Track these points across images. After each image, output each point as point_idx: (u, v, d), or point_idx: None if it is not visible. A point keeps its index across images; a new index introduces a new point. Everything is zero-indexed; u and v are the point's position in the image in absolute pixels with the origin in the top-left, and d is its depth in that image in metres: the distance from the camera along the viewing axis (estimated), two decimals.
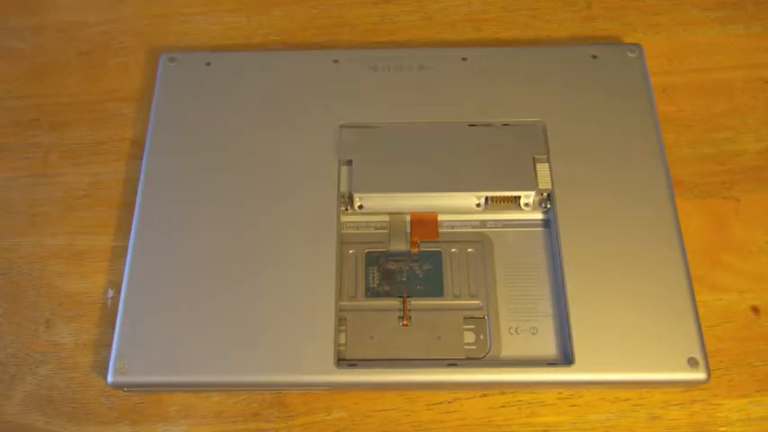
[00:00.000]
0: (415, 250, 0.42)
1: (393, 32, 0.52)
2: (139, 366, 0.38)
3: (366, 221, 0.43)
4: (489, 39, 0.51)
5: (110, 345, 0.38)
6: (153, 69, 0.49)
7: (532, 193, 0.42)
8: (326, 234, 0.41)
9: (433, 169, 0.42)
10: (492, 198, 0.42)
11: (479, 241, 0.42)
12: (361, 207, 0.42)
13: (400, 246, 0.42)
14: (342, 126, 0.44)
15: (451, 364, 0.39)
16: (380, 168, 0.42)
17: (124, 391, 0.40)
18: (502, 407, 0.40)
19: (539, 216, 0.43)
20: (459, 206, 0.42)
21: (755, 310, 0.42)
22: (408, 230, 0.43)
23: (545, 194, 0.42)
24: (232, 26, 0.52)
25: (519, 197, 0.42)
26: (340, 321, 0.40)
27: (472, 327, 0.40)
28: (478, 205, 0.42)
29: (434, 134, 0.43)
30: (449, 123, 0.44)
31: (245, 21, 0.53)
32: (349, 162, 0.43)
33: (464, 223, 0.43)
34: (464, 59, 0.47)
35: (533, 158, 0.42)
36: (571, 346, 0.38)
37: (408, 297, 0.41)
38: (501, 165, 0.42)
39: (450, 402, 0.40)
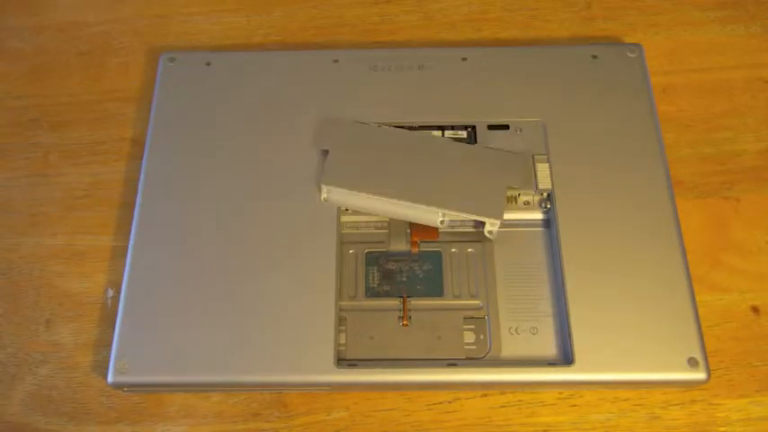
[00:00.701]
0: (415, 250, 0.42)
1: (393, 32, 0.52)
2: (139, 366, 0.38)
3: (366, 221, 0.43)
4: (489, 39, 0.51)
5: (110, 345, 0.38)
6: (153, 69, 0.49)
7: (498, 222, 0.40)
8: (326, 234, 0.41)
9: (405, 177, 0.41)
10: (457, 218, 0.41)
11: (479, 241, 0.42)
12: (326, 200, 0.42)
13: (400, 246, 0.42)
14: (324, 118, 0.44)
15: (451, 364, 0.39)
16: (352, 165, 0.42)
17: (124, 391, 0.40)
18: (502, 407, 0.40)
19: (539, 216, 0.43)
20: (423, 219, 0.41)
21: (755, 310, 0.42)
22: (408, 230, 0.43)
23: (545, 194, 0.42)
24: (232, 26, 0.52)
25: (484, 223, 0.41)
26: (340, 321, 0.40)
27: (472, 327, 0.40)
28: (442, 222, 0.41)
29: (418, 142, 0.43)
30: (436, 132, 0.43)
31: (245, 21, 0.53)
32: (325, 152, 0.43)
33: (464, 223, 0.43)
34: (464, 59, 0.47)
35: (506, 188, 0.41)
36: (571, 346, 0.38)
37: (408, 297, 0.41)
38: (474, 188, 0.41)
39: (450, 402, 0.40)
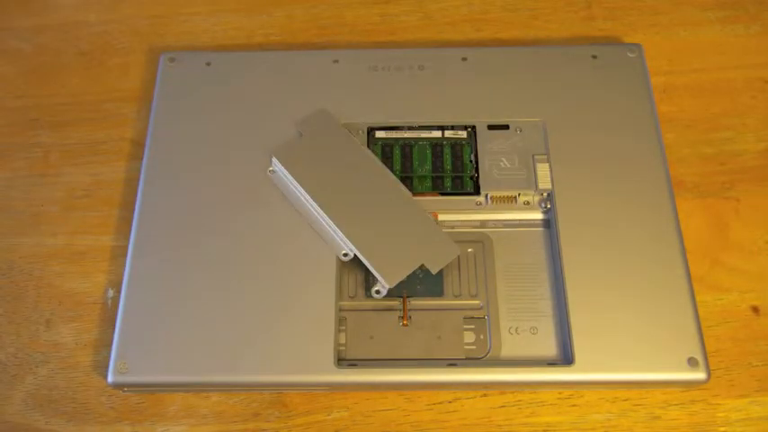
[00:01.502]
0: None
1: (393, 32, 0.52)
2: (139, 366, 0.38)
3: None
4: (489, 39, 0.51)
5: (110, 345, 0.38)
6: (153, 69, 0.49)
7: (387, 288, 0.39)
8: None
9: (341, 199, 0.41)
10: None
11: (479, 241, 0.42)
12: (273, 171, 0.42)
13: None
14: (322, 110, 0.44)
15: (451, 364, 0.39)
16: (308, 159, 0.42)
17: (124, 391, 0.40)
18: (502, 407, 0.40)
19: (539, 216, 0.43)
20: (329, 241, 0.40)
21: (755, 310, 0.42)
22: None
23: (545, 194, 0.42)
24: (233, 26, 0.52)
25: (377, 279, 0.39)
26: (340, 321, 0.40)
27: (472, 327, 0.40)
28: (345, 255, 0.40)
29: (381, 182, 0.42)
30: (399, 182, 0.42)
31: (245, 20, 0.53)
32: (299, 134, 0.43)
33: (464, 223, 0.43)
34: (464, 59, 0.47)
35: (419, 266, 0.39)
36: (571, 346, 0.38)
37: (408, 297, 0.41)
38: (391, 247, 0.40)
39: (450, 402, 0.40)
